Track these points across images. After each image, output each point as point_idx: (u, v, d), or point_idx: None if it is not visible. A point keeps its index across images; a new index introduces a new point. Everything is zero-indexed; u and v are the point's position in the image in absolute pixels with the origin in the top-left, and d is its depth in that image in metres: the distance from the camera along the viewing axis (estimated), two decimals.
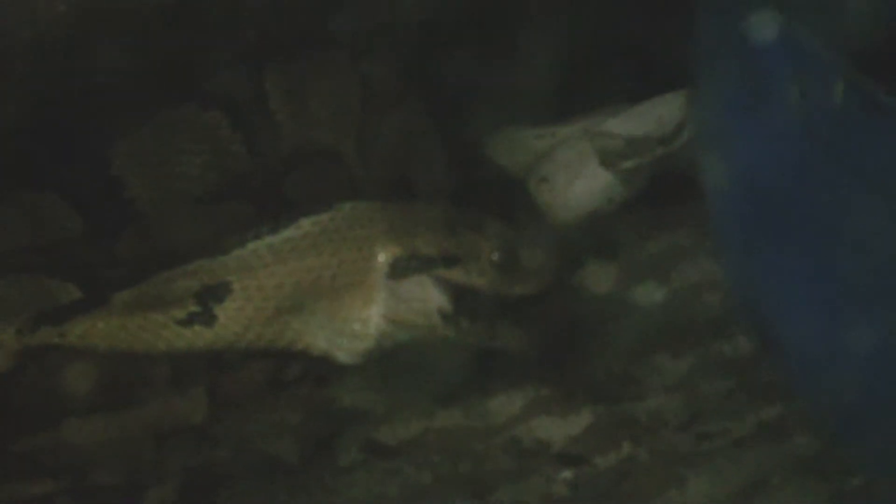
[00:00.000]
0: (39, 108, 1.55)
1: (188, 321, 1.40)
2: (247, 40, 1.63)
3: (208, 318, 1.40)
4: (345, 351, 1.40)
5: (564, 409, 1.39)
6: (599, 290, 1.51)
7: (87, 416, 1.39)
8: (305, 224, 1.40)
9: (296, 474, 1.36)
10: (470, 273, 1.39)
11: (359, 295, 1.39)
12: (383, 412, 1.40)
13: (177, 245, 1.47)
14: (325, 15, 1.63)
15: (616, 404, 1.40)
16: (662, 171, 1.57)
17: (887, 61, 1.18)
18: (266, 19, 1.63)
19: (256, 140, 1.63)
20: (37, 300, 1.42)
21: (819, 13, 1.20)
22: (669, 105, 1.55)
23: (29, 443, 1.38)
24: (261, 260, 1.39)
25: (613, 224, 1.57)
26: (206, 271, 1.40)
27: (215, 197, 1.60)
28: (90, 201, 1.55)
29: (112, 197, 1.57)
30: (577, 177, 1.58)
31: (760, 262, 1.31)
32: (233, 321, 1.40)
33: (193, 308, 1.40)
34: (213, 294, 1.40)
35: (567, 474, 1.34)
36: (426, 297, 1.39)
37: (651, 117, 1.56)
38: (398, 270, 1.40)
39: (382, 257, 1.40)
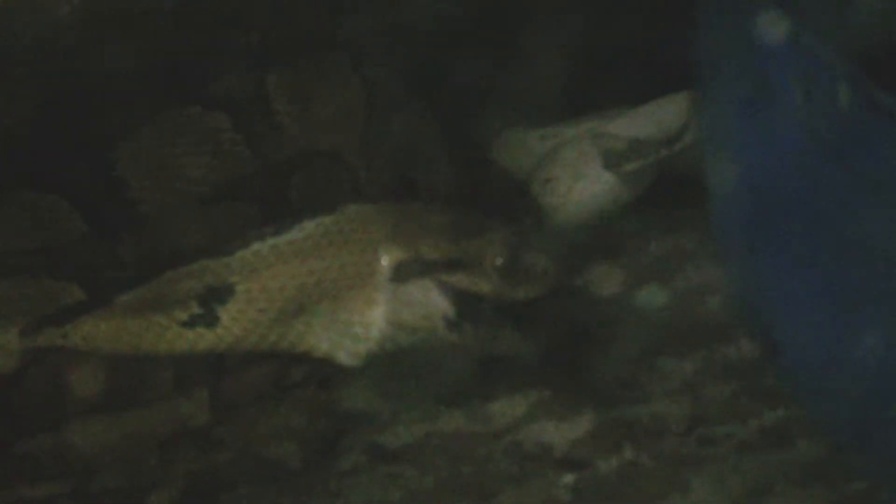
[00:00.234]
0: (42, 109, 1.55)
1: (191, 323, 1.40)
2: (251, 42, 1.63)
3: (211, 320, 1.40)
4: (347, 353, 1.40)
5: (567, 413, 1.39)
6: (602, 293, 1.51)
7: (89, 418, 1.39)
8: (309, 226, 1.40)
9: (298, 478, 1.36)
10: (473, 277, 1.39)
11: (361, 297, 1.39)
12: (386, 416, 1.40)
13: (180, 246, 1.47)
14: (330, 17, 1.63)
15: (618, 408, 1.39)
16: (666, 173, 1.57)
17: (892, 63, 1.17)
18: (270, 21, 1.63)
19: (260, 142, 1.63)
20: (40, 302, 1.42)
21: (825, 14, 1.20)
22: (673, 107, 1.55)
23: (31, 445, 1.38)
24: (264, 262, 1.39)
25: (617, 226, 1.57)
26: (208, 273, 1.40)
27: (218, 198, 1.60)
28: (93, 203, 1.55)
29: (115, 198, 1.57)
30: (581, 178, 1.58)
31: (764, 265, 1.31)
32: (235, 323, 1.40)
33: (196, 310, 1.40)
34: (216, 296, 1.40)
35: (569, 479, 1.34)
36: (429, 300, 1.39)
37: (655, 119, 1.56)
38: (401, 274, 1.39)
39: (386, 260, 1.40)
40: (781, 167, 1.23)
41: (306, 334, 1.41)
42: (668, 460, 1.34)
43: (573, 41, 1.64)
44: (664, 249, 1.56)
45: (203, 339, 1.41)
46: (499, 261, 1.39)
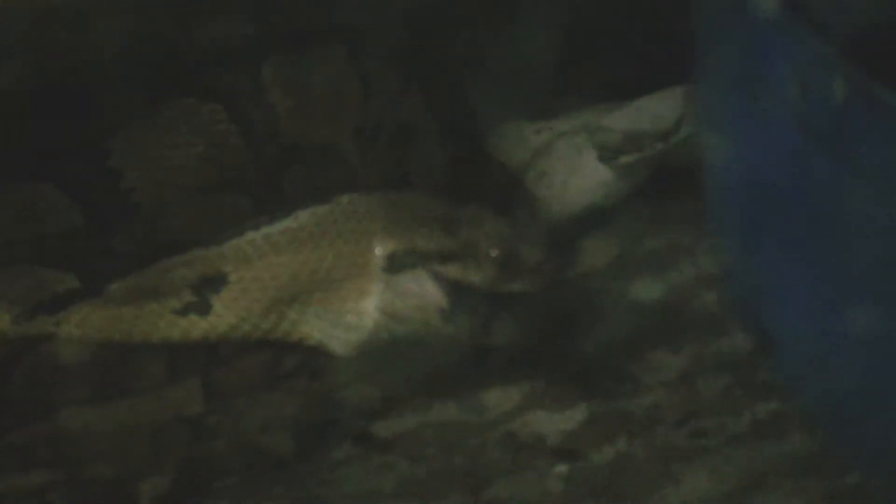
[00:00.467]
0: (37, 99, 1.55)
1: (184, 311, 1.40)
2: (246, 33, 1.63)
3: (204, 309, 1.40)
4: (339, 342, 1.41)
5: (560, 404, 1.39)
6: (596, 285, 1.51)
7: (82, 406, 1.39)
8: (303, 216, 1.40)
9: (291, 467, 1.35)
10: (468, 269, 1.39)
11: (355, 287, 1.39)
12: (379, 406, 1.40)
13: (174, 236, 1.47)
14: (325, 8, 1.63)
15: (612, 400, 1.39)
16: (661, 166, 1.57)
17: (884, 52, 1.17)
18: (266, 12, 1.63)
19: (255, 133, 1.63)
20: (33, 290, 1.42)
21: (812, 1, 1.20)
22: (669, 101, 1.55)
23: (24, 433, 1.38)
24: (258, 251, 1.39)
25: (612, 219, 1.57)
26: (202, 262, 1.40)
27: (213, 189, 1.59)
28: (88, 193, 1.55)
29: (110, 188, 1.57)
30: (576, 172, 1.58)
31: (758, 258, 1.31)
32: (229, 311, 1.40)
33: (189, 298, 1.40)
34: (209, 284, 1.40)
35: (562, 469, 1.34)
36: (423, 291, 1.39)
37: (650, 113, 1.55)
38: (395, 265, 1.40)
39: (380, 251, 1.40)
40: (777, 161, 1.23)
41: (299, 323, 1.41)
42: (661, 452, 1.34)
43: (569, 34, 1.64)
44: (659, 243, 1.56)
45: (196, 328, 1.41)
46: (494, 252, 1.39)
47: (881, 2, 1.28)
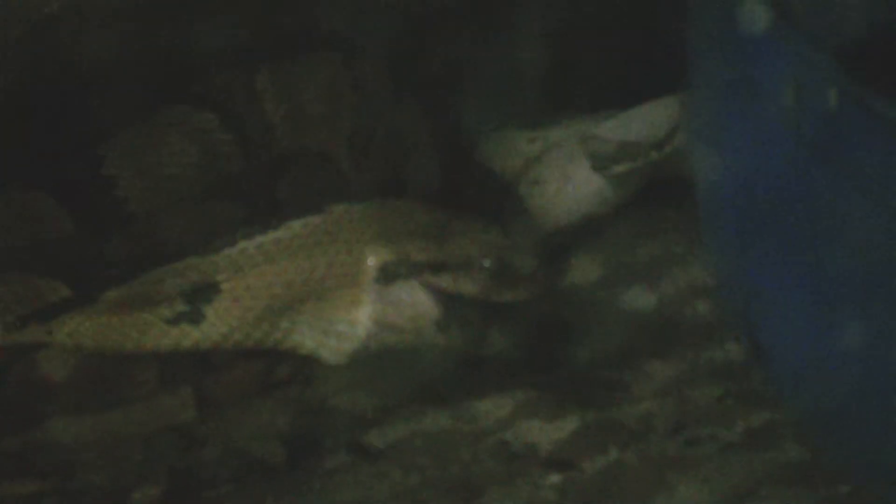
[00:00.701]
0: (31, 106, 1.55)
1: (176, 320, 1.40)
2: (240, 41, 1.63)
3: (196, 318, 1.40)
4: (331, 351, 1.41)
5: (553, 414, 1.38)
6: (589, 295, 1.51)
7: (73, 415, 1.39)
8: (296, 225, 1.40)
9: (283, 476, 1.35)
10: (460, 280, 1.39)
11: (347, 297, 1.39)
12: (371, 415, 1.40)
13: (167, 244, 1.47)
14: (318, 16, 1.63)
15: (605, 409, 1.39)
16: (655, 175, 1.57)
17: (877, 61, 1.17)
18: (259, 19, 1.63)
19: (248, 141, 1.63)
20: (25, 298, 1.42)
21: (805, 9, 1.20)
22: (662, 110, 1.55)
23: (15, 442, 1.38)
24: (250, 260, 1.39)
25: (605, 228, 1.57)
26: (195, 270, 1.40)
27: (207, 197, 1.59)
28: (81, 200, 1.55)
29: (103, 196, 1.57)
30: (569, 180, 1.58)
31: (751, 267, 1.31)
32: (221, 321, 1.40)
33: (182, 307, 1.40)
34: (201, 293, 1.40)
35: (555, 479, 1.34)
36: (415, 302, 1.39)
37: (644, 122, 1.56)
38: (387, 275, 1.40)
39: (372, 261, 1.40)
40: (769, 169, 1.23)
41: (291, 332, 1.41)
42: (653, 461, 1.34)
43: (563, 43, 1.64)
44: (652, 252, 1.56)
45: (188, 337, 1.41)
46: (486, 263, 1.39)
47: (872, 10, 1.28)
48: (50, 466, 1.36)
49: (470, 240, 1.41)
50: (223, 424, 1.40)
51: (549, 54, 1.63)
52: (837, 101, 1.12)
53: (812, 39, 1.13)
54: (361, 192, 1.54)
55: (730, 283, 1.38)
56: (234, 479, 1.35)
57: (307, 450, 1.37)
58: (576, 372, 1.43)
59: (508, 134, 1.64)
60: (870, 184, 1.12)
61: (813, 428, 1.30)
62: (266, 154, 1.63)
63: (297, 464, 1.36)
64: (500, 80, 1.63)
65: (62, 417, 1.39)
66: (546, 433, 1.37)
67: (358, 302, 1.40)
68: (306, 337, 1.41)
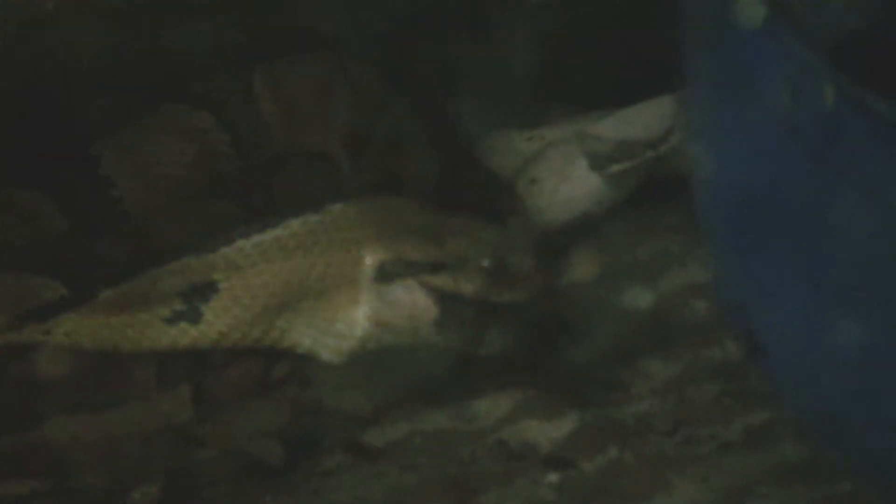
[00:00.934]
0: (26, 105, 1.55)
1: (174, 319, 1.40)
2: (236, 40, 1.63)
3: (194, 317, 1.40)
4: (329, 350, 1.41)
5: (551, 413, 1.38)
6: (587, 294, 1.51)
7: (71, 414, 1.39)
8: (294, 224, 1.40)
9: (280, 476, 1.35)
10: (458, 279, 1.39)
11: (345, 296, 1.39)
12: (369, 414, 1.39)
13: (164, 244, 1.47)
14: (314, 15, 1.63)
15: (603, 408, 1.39)
16: (652, 174, 1.57)
17: (873, 60, 1.17)
18: (255, 19, 1.63)
19: (244, 141, 1.63)
20: (22, 298, 1.42)
21: (801, 8, 1.20)
22: (660, 108, 1.55)
23: (12, 441, 1.37)
24: (248, 259, 1.39)
25: (602, 227, 1.57)
26: (192, 269, 1.40)
27: (203, 197, 1.59)
28: (77, 200, 1.55)
29: (99, 196, 1.57)
30: (566, 180, 1.58)
31: (748, 265, 1.31)
32: (218, 320, 1.40)
33: (179, 306, 1.40)
34: (199, 292, 1.40)
35: (553, 478, 1.33)
36: (413, 301, 1.39)
37: (641, 121, 1.55)
38: (385, 274, 1.40)
39: (369, 260, 1.40)
40: (766, 168, 1.23)
41: (289, 331, 1.41)
42: (652, 460, 1.34)
43: (560, 41, 1.64)
44: (650, 251, 1.56)
45: (186, 336, 1.41)
46: (485, 262, 1.40)
47: (869, 9, 1.28)
48: (47, 466, 1.36)
49: (468, 239, 1.41)
50: (221, 424, 1.39)
51: (546, 53, 1.63)
52: (834, 100, 1.12)
53: (808, 38, 1.13)
54: (358, 192, 1.54)
55: (728, 282, 1.38)
56: (232, 479, 1.35)
57: (305, 449, 1.37)
58: (574, 371, 1.42)
59: (506, 133, 1.64)
60: (867, 183, 1.12)
61: (811, 427, 1.30)
62: (262, 153, 1.63)
63: (295, 463, 1.36)
64: (496, 79, 1.62)
65: (59, 417, 1.38)
66: (544, 432, 1.37)
67: (355, 301, 1.39)
68: (304, 336, 1.41)
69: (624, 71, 1.62)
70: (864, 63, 1.12)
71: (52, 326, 1.41)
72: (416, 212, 1.44)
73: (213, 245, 1.40)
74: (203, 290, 1.39)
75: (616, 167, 1.55)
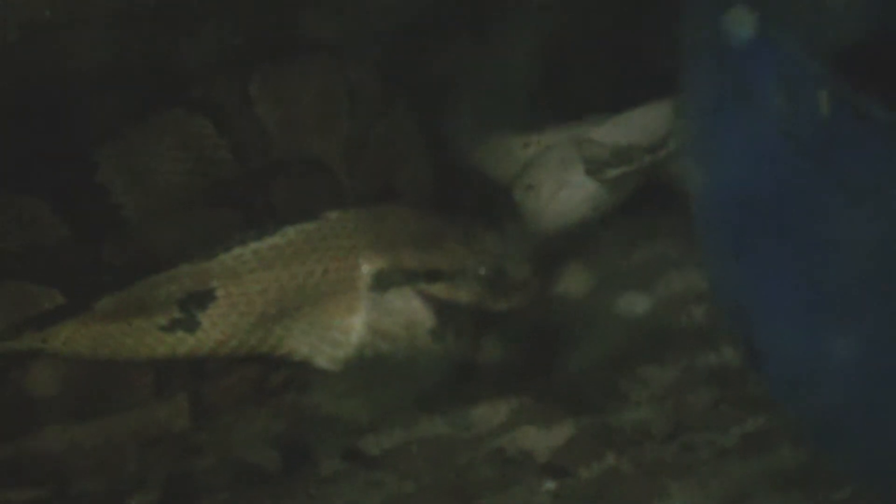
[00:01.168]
0: (24, 112, 1.54)
1: (171, 327, 1.40)
2: (234, 46, 1.63)
3: (192, 325, 1.40)
4: (326, 357, 1.41)
5: (548, 420, 1.38)
6: (584, 300, 1.51)
7: (69, 422, 1.39)
8: (291, 232, 1.40)
9: (278, 483, 1.35)
10: (455, 288, 1.39)
11: (342, 303, 1.39)
12: (366, 421, 1.39)
13: (161, 251, 1.47)
14: (312, 22, 1.63)
15: (600, 415, 1.39)
16: (649, 180, 1.57)
17: (870, 65, 1.17)
18: (253, 24, 1.63)
19: (242, 147, 1.63)
20: (20, 305, 1.42)
21: (797, 15, 1.20)
22: (656, 114, 1.55)
23: (10, 450, 1.37)
24: (245, 266, 1.39)
25: (599, 233, 1.57)
26: (190, 277, 1.39)
27: (201, 203, 1.59)
28: (75, 207, 1.55)
29: (97, 202, 1.57)
30: (563, 185, 1.58)
31: (745, 271, 1.31)
32: (216, 327, 1.40)
33: (177, 314, 1.40)
34: (196, 300, 1.39)
35: (550, 485, 1.34)
36: (409, 310, 1.39)
37: (637, 126, 1.55)
38: (381, 282, 1.40)
39: (366, 269, 1.40)
40: (762, 173, 1.23)
41: (286, 338, 1.41)
42: (649, 467, 1.34)
43: (556, 47, 1.64)
44: (646, 256, 1.56)
45: (183, 344, 1.41)
46: (482, 270, 1.39)
47: (863, 16, 1.28)
48: (45, 474, 1.36)
49: (465, 248, 1.41)
50: (219, 431, 1.39)
51: (543, 59, 1.63)
52: (830, 105, 1.12)
53: (804, 44, 1.13)
54: (356, 197, 1.54)
55: (726, 288, 1.38)
56: (230, 487, 1.35)
57: (302, 457, 1.37)
58: (571, 378, 1.42)
59: (503, 139, 1.64)
60: (864, 188, 1.12)
61: (809, 432, 1.30)
62: (260, 160, 1.63)
63: (292, 471, 1.36)
64: (494, 86, 1.62)
65: (57, 425, 1.38)
66: (542, 439, 1.37)
67: (353, 309, 1.39)
68: (301, 343, 1.41)
69: (622, 76, 1.62)
70: (861, 68, 1.12)
71: (49, 334, 1.41)
72: (413, 219, 1.44)
73: (211, 252, 1.40)
74: (200, 298, 1.39)
75: (613, 172, 1.55)
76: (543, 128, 1.63)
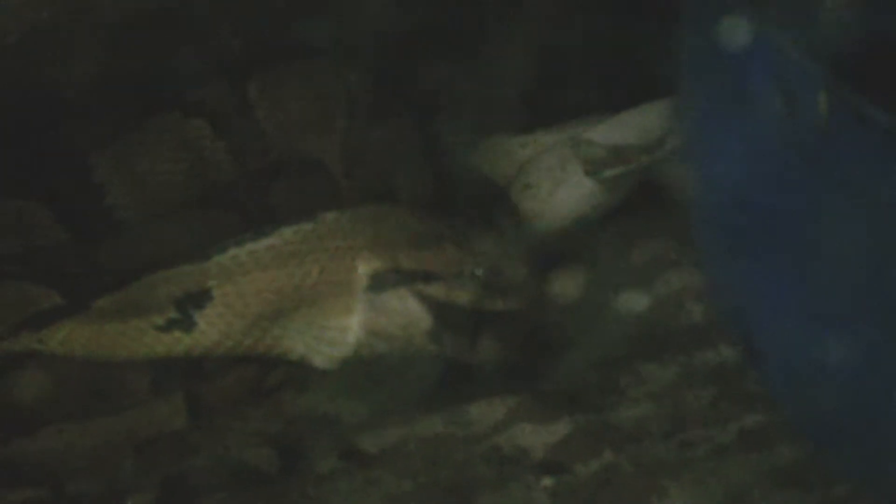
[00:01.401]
0: (22, 115, 1.55)
1: (168, 327, 1.40)
2: (232, 49, 1.63)
3: (188, 325, 1.40)
4: (322, 357, 1.41)
5: (546, 417, 1.38)
6: (582, 299, 1.51)
7: (65, 423, 1.39)
8: (287, 232, 1.40)
9: (275, 483, 1.35)
10: (452, 289, 1.39)
11: (339, 304, 1.39)
12: (364, 420, 1.39)
13: (159, 252, 1.47)
14: (310, 25, 1.63)
15: (598, 412, 1.39)
16: (646, 180, 1.56)
17: (869, 68, 1.17)
18: (251, 27, 1.63)
19: (240, 149, 1.63)
20: (18, 306, 1.42)
21: (795, 17, 1.20)
22: (653, 114, 1.55)
23: (6, 450, 1.37)
24: (242, 266, 1.39)
25: (597, 233, 1.57)
26: (186, 277, 1.39)
27: (199, 205, 1.59)
28: (72, 209, 1.55)
29: (94, 205, 1.57)
30: (561, 185, 1.58)
31: (743, 271, 1.31)
32: (212, 327, 1.40)
33: (173, 314, 1.40)
34: (193, 300, 1.39)
35: (548, 482, 1.33)
36: (406, 310, 1.39)
37: (635, 126, 1.55)
38: (378, 283, 1.40)
39: (363, 269, 1.40)
40: (761, 174, 1.23)
41: (283, 338, 1.41)
42: (647, 465, 1.34)
43: (554, 47, 1.64)
44: (645, 256, 1.56)
45: (180, 344, 1.41)
46: (479, 271, 1.39)
47: (861, 20, 1.28)
48: (42, 474, 1.36)
49: (462, 248, 1.41)
50: (215, 431, 1.39)
51: (540, 59, 1.63)
52: (828, 108, 1.12)
53: (801, 46, 1.13)
54: (354, 199, 1.54)
55: (724, 287, 1.38)
56: (227, 487, 1.34)
57: (300, 456, 1.37)
58: (569, 375, 1.42)
59: (500, 139, 1.64)
60: (862, 190, 1.12)
61: (807, 429, 1.30)
62: (258, 161, 1.63)
63: (289, 470, 1.35)
64: (491, 87, 1.62)
65: (54, 425, 1.38)
66: (539, 437, 1.37)
67: (349, 309, 1.39)
68: (297, 343, 1.41)
69: (619, 76, 1.62)
70: (860, 71, 1.12)
71: (46, 335, 1.41)
72: (410, 220, 1.43)
73: (207, 253, 1.40)
74: (197, 298, 1.39)
75: (610, 172, 1.55)
76: (541, 128, 1.63)
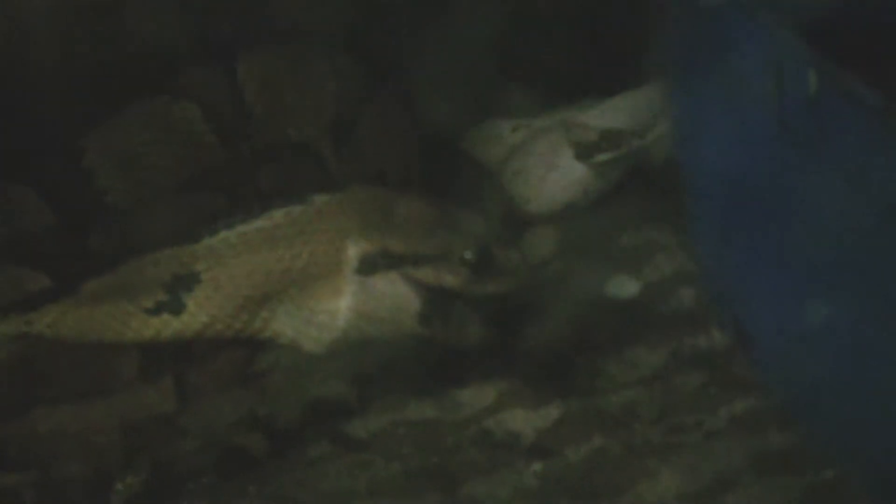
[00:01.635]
0: (11, 98, 1.54)
1: (156, 310, 1.40)
2: (221, 32, 1.63)
3: (177, 307, 1.40)
4: (312, 340, 1.40)
5: (536, 402, 1.38)
6: (572, 283, 1.51)
7: (54, 406, 1.38)
8: (277, 215, 1.40)
9: (265, 466, 1.34)
10: (441, 273, 1.39)
11: (328, 287, 1.39)
12: (353, 404, 1.39)
13: (148, 236, 1.46)
14: (298, 5, 1.63)
15: (588, 397, 1.39)
16: (637, 164, 1.56)
17: (856, 49, 1.17)
18: (241, 11, 1.63)
19: (230, 132, 1.63)
20: (5, 289, 1.42)
21: None
22: (645, 98, 1.55)
23: None
24: (231, 249, 1.39)
25: (588, 217, 1.57)
26: (175, 260, 1.39)
27: (188, 189, 1.59)
28: (61, 193, 1.55)
29: (83, 188, 1.56)
30: (552, 169, 1.58)
31: (735, 253, 1.31)
32: (201, 310, 1.39)
33: (162, 297, 1.40)
34: (182, 283, 1.39)
35: (538, 467, 1.33)
36: (396, 294, 1.39)
37: (626, 110, 1.55)
38: (367, 266, 1.39)
39: (353, 252, 1.40)
40: (751, 157, 1.24)
41: (271, 321, 1.41)
42: (637, 449, 1.34)
43: (545, 32, 1.64)
44: (635, 240, 1.56)
45: (169, 327, 1.40)
46: (469, 255, 1.39)
47: None
48: (30, 458, 1.35)
49: (452, 231, 1.41)
50: (204, 414, 1.39)
51: (532, 43, 1.63)
52: (817, 87, 1.12)
53: (786, 18, 1.13)
54: (343, 182, 1.54)
55: (714, 271, 1.38)
56: (216, 470, 1.34)
57: (289, 439, 1.36)
58: (559, 360, 1.42)
59: (491, 123, 1.64)
60: (850, 170, 1.12)
61: (797, 414, 1.30)
62: (247, 144, 1.63)
63: (279, 453, 1.35)
64: (481, 70, 1.62)
65: (42, 408, 1.38)
66: (529, 421, 1.37)
67: (339, 292, 1.39)
68: (286, 326, 1.41)
69: (609, 61, 1.62)
70: (846, 53, 1.12)
71: (35, 317, 1.41)
72: (400, 203, 1.43)
73: (196, 235, 1.39)
74: (186, 281, 1.39)
75: (602, 156, 1.55)
76: (532, 112, 1.63)
